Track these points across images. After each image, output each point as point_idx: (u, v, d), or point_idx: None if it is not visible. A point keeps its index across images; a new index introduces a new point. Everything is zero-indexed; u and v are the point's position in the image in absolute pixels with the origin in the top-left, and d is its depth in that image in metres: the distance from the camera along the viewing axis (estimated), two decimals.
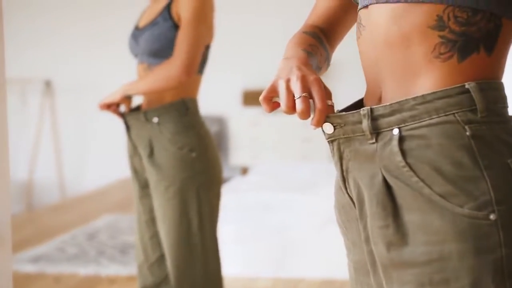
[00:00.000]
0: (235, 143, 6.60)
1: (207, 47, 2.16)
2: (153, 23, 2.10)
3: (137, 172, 2.20)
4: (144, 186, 2.20)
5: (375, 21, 0.95)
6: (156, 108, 2.09)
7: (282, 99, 0.93)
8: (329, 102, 0.95)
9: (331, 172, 4.46)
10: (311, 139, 6.38)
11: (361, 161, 0.96)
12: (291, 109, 0.92)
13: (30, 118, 7.17)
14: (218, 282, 2.14)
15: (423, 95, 0.89)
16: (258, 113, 6.64)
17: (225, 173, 6.43)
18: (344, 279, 3.38)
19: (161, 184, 2.07)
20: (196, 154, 2.06)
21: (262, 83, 6.76)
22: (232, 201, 3.70)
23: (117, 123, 8.19)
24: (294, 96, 0.92)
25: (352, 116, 0.95)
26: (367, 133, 0.93)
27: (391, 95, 0.95)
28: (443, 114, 0.88)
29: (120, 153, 6.95)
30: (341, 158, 0.99)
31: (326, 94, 0.94)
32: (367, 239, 0.97)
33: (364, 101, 1.04)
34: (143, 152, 2.11)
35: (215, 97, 6.53)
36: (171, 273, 2.10)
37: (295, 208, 3.67)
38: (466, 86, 0.87)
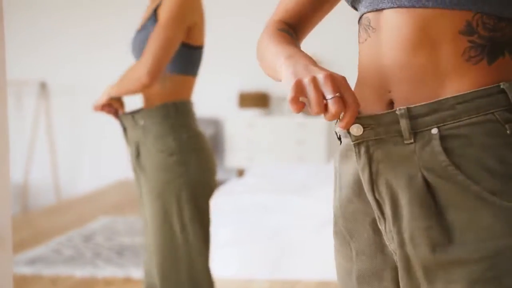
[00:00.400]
0: (231, 145, 6.61)
1: (199, 49, 2.15)
2: (143, 27, 2.10)
3: (136, 172, 2.21)
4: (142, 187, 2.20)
5: (394, 25, 0.95)
6: (143, 110, 2.09)
7: (313, 99, 0.88)
8: None
9: (327, 174, 4.46)
10: (306, 141, 6.39)
11: (395, 162, 0.94)
12: (323, 109, 0.88)
13: (25, 120, 7.16)
14: (206, 284, 2.13)
15: (462, 94, 0.90)
16: (254, 115, 6.64)
17: (221, 175, 6.44)
18: None
19: (146, 186, 2.09)
20: (175, 158, 2.05)
21: (258, 85, 6.76)
22: (228, 203, 3.71)
23: (112, 125, 8.17)
24: (324, 97, 0.89)
25: (386, 116, 0.93)
26: (406, 133, 0.92)
27: (411, 99, 0.94)
28: (482, 113, 0.89)
29: (116, 155, 6.98)
30: (370, 161, 0.95)
31: None
32: (401, 243, 0.95)
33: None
34: (132, 154, 2.13)
35: (211, 99, 6.54)
36: (156, 274, 2.10)
37: (291, 210, 3.67)
38: (502, 86, 0.89)
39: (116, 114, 2.15)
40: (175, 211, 2.06)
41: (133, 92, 2.04)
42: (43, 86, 7.22)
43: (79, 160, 7.35)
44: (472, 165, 0.89)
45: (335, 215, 1.08)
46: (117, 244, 4.34)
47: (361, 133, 0.94)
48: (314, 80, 0.89)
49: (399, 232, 0.95)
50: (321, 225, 3.53)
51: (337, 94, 0.88)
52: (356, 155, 0.96)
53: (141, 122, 2.08)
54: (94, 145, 7.26)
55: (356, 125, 0.93)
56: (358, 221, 1.01)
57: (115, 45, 6.93)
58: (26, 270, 3.74)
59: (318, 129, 6.37)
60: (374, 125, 0.94)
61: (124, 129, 2.16)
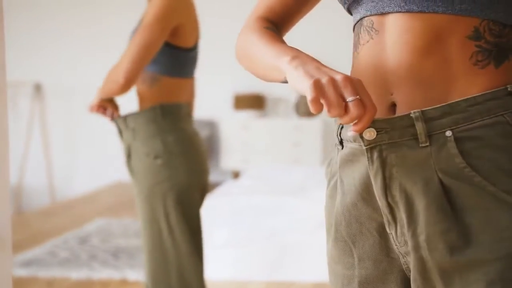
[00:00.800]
0: (226, 147, 6.61)
1: (189, 50, 2.13)
2: (136, 29, 2.09)
3: (132, 173, 2.20)
4: None
5: (402, 28, 0.96)
6: (133, 113, 2.09)
7: (333, 101, 0.87)
8: None
9: (322, 176, 4.46)
10: (301, 143, 6.40)
11: (410, 166, 0.94)
12: (344, 112, 0.87)
13: (20, 121, 7.15)
14: (197, 286, 2.13)
15: (474, 97, 0.91)
16: (249, 116, 6.65)
17: (217, 177, 6.44)
18: None
19: (136, 189, 2.10)
20: (161, 161, 2.04)
21: (253, 87, 6.77)
22: (224, 204, 3.71)
23: (107, 127, 8.18)
24: (344, 99, 0.87)
25: (400, 119, 0.93)
26: (422, 136, 0.92)
27: (415, 102, 0.95)
28: (493, 115, 0.91)
29: (111, 157, 6.97)
30: (383, 165, 0.95)
31: None
32: (416, 247, 0.95)
33: None
34: (124, 156, 2.14)
35: (206, 101, 6.53)
36: (147, 276, 2.10)
37: (287, 211, 3.68)
38: (509, 89, 0.91)
39: (111, 116, 2.14)
40: (162, 214, 2.06)
41: (113, 94, 2.01)
42: (38, 87, 7.21)
43: (73, 162, 7.34)
44: (487, 166, 0.90)
45: (336, 222, 1.06)
46: (113, 246, 4.34)
47: (374, 137, 0.93)
48: (334, 82, 0.88)
49: (414, 235, 0.94)
50: (317, 227, 3.54)
51: (358, 97, 0.87)
52: (368, 160, 0.95)
53: (132, 125, 2.08)
54: (89, 146, 7.26)
55: (370, 129, 0.93)
56: (363, 226, 1.01)
57: (111, 46, 6.92)
58: (22, 272, 3.74)
59: (314, 131, 6.38)
60: (388, 129, 0.93)
61: (120, 132, 2.16)
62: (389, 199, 0.96)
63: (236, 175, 6.54)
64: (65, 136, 7.33)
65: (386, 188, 0.96)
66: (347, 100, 0.87)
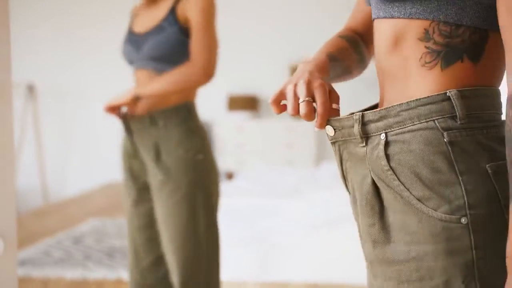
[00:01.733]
0: (220, 148, 6.61)
1: None
2: (158, 28, 2.07)
3: (135, 176, 2.18)
4: (142, 189, 2.18)
5: (379, 32, 1.04)
6: (162, 111, 2.09)
7: (288, 102, 1.00)
8: (334, 106, 1.01)
9: (316, 177, 4.48)
10: (295, 145, 6.42)
11: (355, 162, 1.03)
12: (296, 112, 0.99)
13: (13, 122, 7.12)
14: (217, 280, 2.16)
15: (407, 102, 0.95)
16: (243, 118, 6.66)
17: None
18: (329, 283, 3.42)
19: (168, 186, 2.06)
20: (201, 156, 2.08)
21: (247, 88, 6.79)
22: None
23: (100, 127, 8.11)
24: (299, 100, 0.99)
25: (347, 120, 1.01)
26: (358, 137, 1.00)
27: (388, 99, 1.02)
28: (424, 121, 0.93)
29: (104, 158, 6.97)
30: (341, 159, 1.06)
31: (333, 98, 1.00)
32: (360, 236, 1.05)
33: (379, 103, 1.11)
34: (148, 155, 2.10)
35: (199, 102, 6.53)
36: (177, 275, 2.09)
37: (281, 213, 3.69)
38: (448, 94, 0.92)
39: (124, 116, 2.12)
40: (202, 210, 2.07)
41: (183, 92, 2.09)
42: (30, 88, 7.19)
43: (67, 162, 7.33)
44: (406, 171, 0.94)
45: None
46: (107, 246, 4.34)
47: (333, 134, 1.03)
48: (295, 85, 1.00)
49: (359, 226, 1.06)
50: (311, 229, 3.56)
51: (308, 98, 0.97)
52: (334, 153, 1.07)
53: (161, 122, 2.08)
54: (82, 147, 7.24)
55: (328, 126, 1.03)
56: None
57: (104, 47, 6.92)
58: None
59: (307, 133, 6.40)
60: (340, 128, 1.02)
61: (130, 132, 2.13)
62: (349, 188, 1.08)
63: (229, 176, 6.56)
64: (58, 136, 7.31)
65: (345, 179, 1.08)
66: (299, 101, 0.98)
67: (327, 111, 0.98)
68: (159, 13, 2.12)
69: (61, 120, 7.28)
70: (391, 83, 1.01)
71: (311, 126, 6.41)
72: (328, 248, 3.53)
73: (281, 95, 1.02)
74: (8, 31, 1.20)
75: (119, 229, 4.85)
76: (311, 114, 0.98)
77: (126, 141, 2.19)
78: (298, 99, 0.99)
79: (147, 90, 2.05)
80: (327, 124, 1.02)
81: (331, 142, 1.06)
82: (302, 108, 0.97)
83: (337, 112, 1.02)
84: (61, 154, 7.33)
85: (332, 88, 1.01)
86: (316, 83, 0.99)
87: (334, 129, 1.03)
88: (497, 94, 0.97)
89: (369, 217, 1.00)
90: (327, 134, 1.05)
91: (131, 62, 2.19)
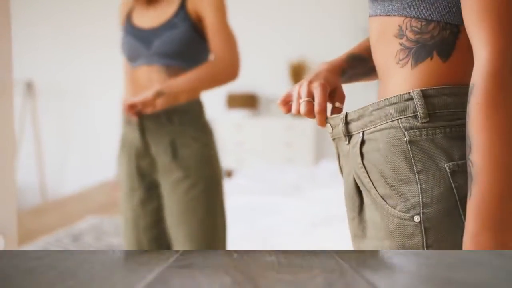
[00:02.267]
0: (219, 146, 6.61)
1: None
2: (169, 24, 2.06)
3: (143, 174, 2.15)
4: (150, 188, 2.15)
5: (370, 30, 1.06)
6: (176, 108, 2.08)
7: (293, 102, 1.08)
8: (337, 104, 1.07)
9: (315, 175, 4.46)
10: (294, 143, 6.42)
11: (345, 159, 1.08)
12: (297, 111, 1.07)
13: None
14: None
15: (377, 102, 0.98)
16: (242, 116, 6.66)
17: None
18: None
19: (186, 182, 2.05)
20: (213, 151, 2.12)
21: (246, 86, 6.78)
22: None
23: (99, 126, 8.09)
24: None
25: (336, 119, 1.06)
26: (342, 135, 1.05)
27: (379, 97, 1.05)
28: (390, 120, 0.95)
29: (102, 156, 6.96)
30: (338, 155, 1.11)
31: (338, 97, 1.06)
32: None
33: None
34: (163, 153, 2.08)
35: None
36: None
37: (281, 211, 3.69)
38: (411, 93, 0.93)
39: (139, 114, 2.09)
40: (220, 203, 2.11)
41: (213, 88, 2.11)
42: (29, 86, 7.19)
43: (65, 160, 7.33)
44: (374, 170, 0.98)
45: None
46: (106, 244, 4.34)
47: (331, 131, 1.09)
48: (299, 87, 1.08)
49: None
50: (310, 226, 3.56)
51: (307, 98, 1.05)
52: (335, 149, 1.12)
53: (177, 119, 2.08)
54: (80, 145, 7.24)
55: (328, 124, 1.09)
56: None
57: (102, 45, 6.92)
58: None
59: (306, 131, 6.40)
60: (334, 126, 1.08)
61: (142, 130, 2.10)
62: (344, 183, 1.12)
63: (229, 174, 6.56)
64: (57, 134, 7.31)
65: (342, 172, 1.12)
66: (300, 101, 1.07)
67: (322, 110, 1.05)
68: (168, 8, 2.10)
69: (59, 118, 7.28)
70: (380, 80, 1.05)
71: (310, 125, 6.41)
72: (327, 246, 3.53)
73: (289, 96, 1.11)
74: (9, 29, 1.20)
75: (117, 228, 4.85)
76: (310, 113, 1.05)
77: (135, 140, 2.14)
78: (301, 99, 1.07)
79: (172, 86, 2.02)
80: (327, 122, 1.09)
81: (332, 139, 1.12)
82: (302, 108, 1.06)
83: (339, 110, 1.08)
84: (60, 151, 7.33)
85: (339, 88, 1.07)
86: (316, 84, 1.06)
87: (332, 127, 1.08)
88: (467, 92, 0.93)
89: (351, 211, 1.05)
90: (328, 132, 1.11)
91: (136, 57, 2.14)
